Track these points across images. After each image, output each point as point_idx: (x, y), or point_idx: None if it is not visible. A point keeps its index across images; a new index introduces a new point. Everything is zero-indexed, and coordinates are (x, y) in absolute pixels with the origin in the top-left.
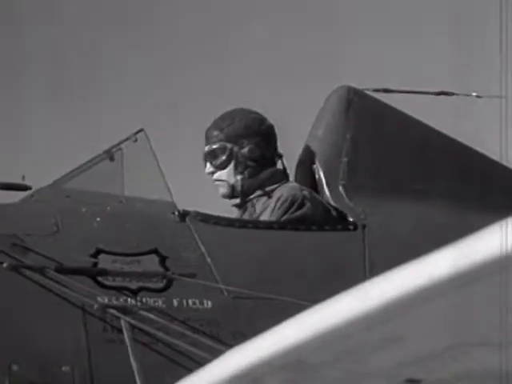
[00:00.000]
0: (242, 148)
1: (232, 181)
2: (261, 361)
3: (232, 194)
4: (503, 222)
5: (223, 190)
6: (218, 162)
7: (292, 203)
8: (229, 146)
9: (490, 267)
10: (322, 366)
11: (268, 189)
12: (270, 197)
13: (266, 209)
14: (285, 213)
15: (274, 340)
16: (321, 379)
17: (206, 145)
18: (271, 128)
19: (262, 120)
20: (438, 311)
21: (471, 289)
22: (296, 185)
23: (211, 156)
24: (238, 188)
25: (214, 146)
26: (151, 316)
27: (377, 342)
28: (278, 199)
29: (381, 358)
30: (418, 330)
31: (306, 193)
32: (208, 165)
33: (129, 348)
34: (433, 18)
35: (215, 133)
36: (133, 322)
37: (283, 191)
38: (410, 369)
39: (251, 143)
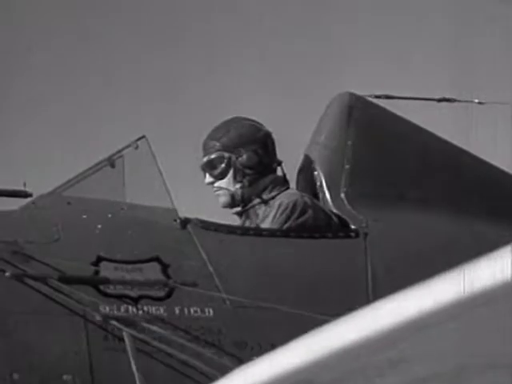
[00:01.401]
0: (240, 156)
1: (232, 190)
2: (270, 380)
3: (232, 203)
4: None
5: (224, 199)
6: (217, 171)
7: (293, 210)
8: (226, 155)
9: (496, 292)
10: None
11: (268, 196)
12: (269, 204)
13: (267, 216)
14: (286, 220)
15: (283, 359)
16: None
17: (203, 156)
18: (268, 135)
19: (258, 127)
20: (444, 334)
21: (477, 313)
22: (296, 192)
23: (209, 166)
24: (238, 197)
25: (212, 156)
26: (154, 330)
27: (384, 364)
28: (279, 206)
29: (388, 379)
30: (428, 351)
31: (306, 199)
32: (207, 175)
33: (130, 357)
34: (434, 24)
35: (212, 143)
36: (134, 332)
37: (284, 198)
38: None
39: (248, 151)
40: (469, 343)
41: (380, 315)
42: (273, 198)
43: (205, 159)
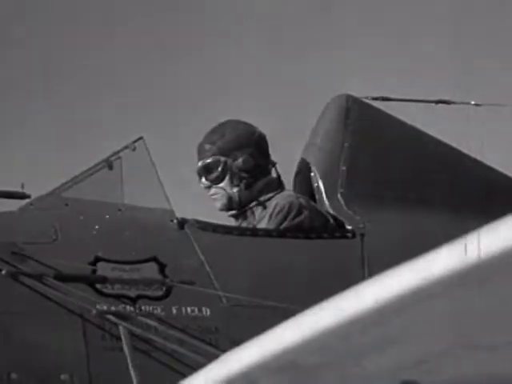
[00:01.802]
0: (236, 160)
1: (229, 193)
2: (256, 363)
3: (229, 207)
4: (500, 222)
5: (221, 203)
6: (213, 176)
7: (289, 211)
8: (222, 159)
9: (487, 267)
10: (317, 368)
11: (264, 198)
12: (265, 207)
13: (263, 218)
14: (282, 221)
15: (269, 342)
16: (316, 382)
17: (198, 160)
18: (262, 137)
19: (252, 130)
20: (435, 313)
21: (469, 289)
22: (292, 193)
23: (205, 170)
24: (235, 200)
25: (208, 161)
26: (150, 323)
27: (372, 344)
28: (275, 208)
29: (376, 359)
30: (414, 332)
31: (302, 200)
32: (203, 179)
33: (127, 356)
34: (431, 27)
35: (207, 147)
36: (131, 328)
37: (279, 199)
38: (406, 371)
39: (244, 154)
40: (457, 323)
41: (366, 296)
42: (268, 199)
43: (200, 163)
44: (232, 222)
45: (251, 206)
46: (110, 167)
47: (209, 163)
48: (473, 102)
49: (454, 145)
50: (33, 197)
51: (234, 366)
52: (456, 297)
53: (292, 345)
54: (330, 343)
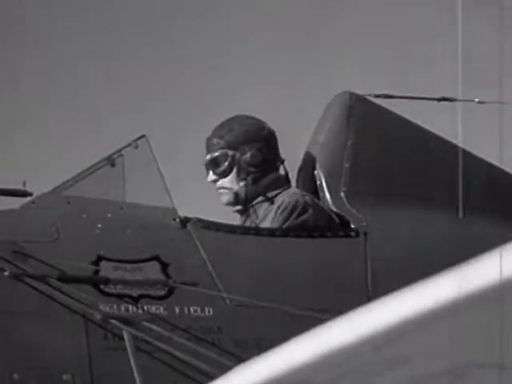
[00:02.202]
0: (244, 154)
1: (235, 188)
2: (265, 381)
3: (235, 202)
4: (505, 248)
5: (227, 197)
6: (220, 169)
7: (293, 209)
8: (230, 153)
9: (493, 292)
10: None
11: (270, 194)
12: (272, 203)
13: (267, 215)
14: (286, 219)
15: (280, 359)
16: None
17: (207, 153)
18: (271, 133)
19: (261, 125)
20: (444, 333)
21: (474, 312)
22: (297, 190)
23: (213, 164)
24: (242, 195)
25: (216, 154)
26: (154, 328)
27: (383, 363)
28: (279, 206)
29: (387, 379)
30: (424, 352)
31: (307, 198)
32: (210, 173)
33: (130, 356)
34: (433, 24)
35: (216, 141)
36: (134, 331)
37: (285, 197)
38: None
39: (252, 149)
40: (467, 342)
41: (377, 314)
42: (275, 196)
43: (208, 157)
44: (236, 218)
45: (257, 201)
46: (113, 165)
47: (217, 157)
48: (476, 100)
49: (457, 142)
50: (34, 195)
51: (244, 382)
52: (465, 318)
53: (303, 362)
54: (341, 361)
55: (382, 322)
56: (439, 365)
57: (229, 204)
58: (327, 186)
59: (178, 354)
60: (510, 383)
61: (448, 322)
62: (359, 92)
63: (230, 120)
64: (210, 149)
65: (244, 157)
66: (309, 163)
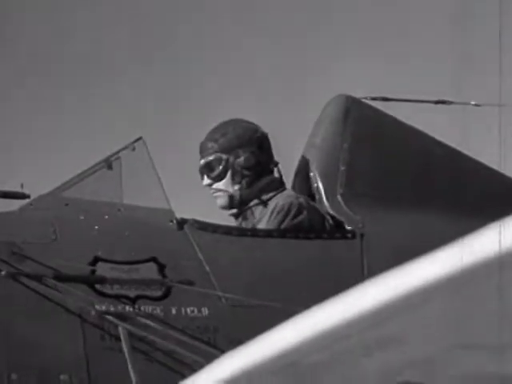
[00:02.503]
0: (238, 158)
1: (230, 191)
2: (257, 363)
3: (230, 205)
4: (498, 224)
5: (222, 200)
6: (215, 173)
7: (288, 211)
8: (224, 156)
9: (485, 269)
10: (317, 368)
11: (265, 197)
12: (266, 205)
13: (262, 217)
14: (281, 221)
15: (269, 342)
16: (317, 382)
17: (201, 158)
18: (265, 136)
19: (255, 129)
20: (435, 314)
21: (467, 290)
22: (292, 193)
23: (207, 168)
24: (237, 198)
25: (210, 158)
26: (149, 324)
27: (373, 344)
28: (274, 208)
29: (377, 360)
30: (415, 333)
31: (302, 200)
32: (205, 177)
33: (127, 356)
34: (431, 26)
35: (210, 145)
36: (131, 329)
37: (279, 199)
38: (407, 371)
39: (246, 152)
40: (456, 323)
41: (367, 295)
42: (269, 199)
43: (202, 161)
44: (232, 221)
45: (252, 204)
46: (110, 167)
47: (211, 161)
48: (473, 102)
49: (454, 145)
50: (32, 197)
51: (235, 366)
52: (457, 298)
53: (292, 345)
54: (330, 343)
55: (371, 302)
56: (431, 347)
57: (224, 207)
58: (324, 189)
59: (174, 352)
60: (502, 364)
61: (437, 302)
62: (356, 94)
63: (224, 124)
64: (204, 153)
65: (238, 160)
66: (305, 166)
